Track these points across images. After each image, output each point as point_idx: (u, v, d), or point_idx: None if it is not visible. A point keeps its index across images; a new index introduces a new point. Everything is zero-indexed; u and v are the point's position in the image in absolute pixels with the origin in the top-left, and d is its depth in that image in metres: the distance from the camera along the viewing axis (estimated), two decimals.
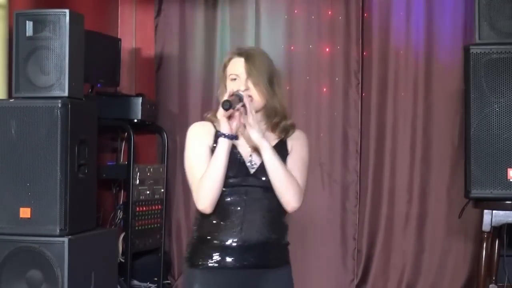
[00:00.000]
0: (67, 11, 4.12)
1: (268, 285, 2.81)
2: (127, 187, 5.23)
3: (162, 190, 5.51)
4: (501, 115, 4.26)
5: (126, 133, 5.31)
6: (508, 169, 4.24)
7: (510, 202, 4.29)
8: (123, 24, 6.00)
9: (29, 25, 4.11)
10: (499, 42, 4.30)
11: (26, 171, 4.03)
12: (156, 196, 5.44)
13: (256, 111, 2.79)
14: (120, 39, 5.60)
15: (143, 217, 5.27)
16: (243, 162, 2.79)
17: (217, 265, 2.76)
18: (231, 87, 2.78)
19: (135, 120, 5.25)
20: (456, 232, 5.48)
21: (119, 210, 5.43)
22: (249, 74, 2.78)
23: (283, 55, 5.83)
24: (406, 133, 5.67)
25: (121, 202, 5.49)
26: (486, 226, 4.33)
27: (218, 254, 2.77)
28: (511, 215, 4.29)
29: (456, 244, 5.55)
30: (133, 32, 6.01)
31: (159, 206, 5.50)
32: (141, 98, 5.28)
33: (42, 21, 4.11)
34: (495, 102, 4.27)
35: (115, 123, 5.24)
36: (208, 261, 2.78)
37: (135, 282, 5.39)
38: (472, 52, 4.31)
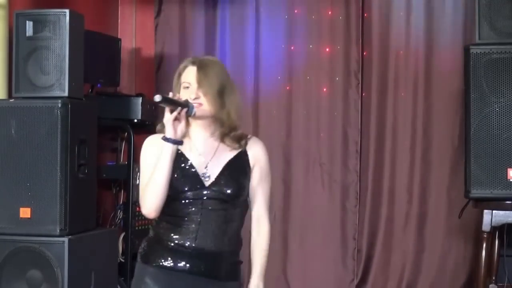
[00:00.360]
0: (67, 11, 4.12)
1: None
2: (127, 187, 5.22)
3: None
4: (501, 115, 4.27)
5: (126, 133, 5.30)
6: (508, 169, 4.25)
7: (510, 202, 4.30)
8: (123, 24, 6.00)
9: (29, 25, 4.12)
10: (499, 42, 4.31)
11: (26, 171, 4.03)
12: None
13: (204, 119, 2.82)
14: (120, 39, 5.60)
15: (143, 217, 5.25)
16: (197, 175, 2.79)
17: (169, 265, 2.78)
18: (183, 95, 2.82)
19: (135, 120, 5.24)
20: (456, 232, 5.48)
21: (119, 210, 5.42)
22: (199, 83, 2.80)
23: (283, 55, 5.84)
24: (406, 133, 5.66)
25: (121, 202, 5.48)
26: (486, 226, 4.33)
27: (171, 256, 2.78)
28: (511, 215, 4.29)
29: (456, 244, 5.55)
30: (133, 32, 6.00)
31: None
32: (141, 98, 5.27)
33: (42, 21, 4.11)
34: (495, 102, 4.28)
35: (115, 123, 5.24)
36: (161, 261, 2.79)
37: None
38: (472, 52, 4.31)
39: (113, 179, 5.45)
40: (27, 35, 4.12)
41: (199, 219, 2.77)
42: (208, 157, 2.82)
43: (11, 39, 4.19)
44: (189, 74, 2.83)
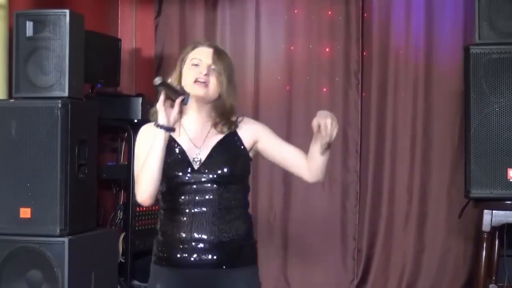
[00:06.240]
0: (67, 11, 4.12)
1: (226, 285, 2.78)
2: (127, 187, 5.22)
3: None
4: (501, 115, 4.27)
5: (126, 133, 5.31)
6: (508, 169, 4.25)
7: (510, 202, 4.30)
8: (123, 24, 6.00)
9: (29, 25, 4.12)
10: (499, 42, 4.31)
11: (26, 171, 4.03)
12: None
13: (203, 102, 2.81)
14: (120, 39, 5.60)
15: (143, 217, 5.26)
16: (187, 159, 2.78)
17: (176, 262, 2.78)
18: (191, 72, 2.79)
19: (135, 120, 5.24)
20: (456, 232, 5.48)
21: (119, 210, 5.42)
22: (215, 62, 2.81)
23: (283, 55, 5.84)
24: (406, 133, 5.66)
25: (121, 202, 5.49)
26: (486, 226, 4.33)
27: (176, 252, 2.78)
28: (511, 215, 4.30)
29: (456, 244, 5.55)
30: (133, 32, 6.00)
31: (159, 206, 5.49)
32: (141, 98, 5.27)
33: (42, 21, 4.11)
34: (495, 102, 4.28)
35: (115, 123, 5.24)
36: (169, 259, 2.80)
37: (135, 282, 5.39)
38: (472, 52, 4.31)
39: (113, 179, 5.46)
40: (27, 35, 4.12)
41: (191, 210, 2.76)
42: (199, 141, 2.81)
43: (11, 39, 4.19)
44: (202, 53, 2.83)
